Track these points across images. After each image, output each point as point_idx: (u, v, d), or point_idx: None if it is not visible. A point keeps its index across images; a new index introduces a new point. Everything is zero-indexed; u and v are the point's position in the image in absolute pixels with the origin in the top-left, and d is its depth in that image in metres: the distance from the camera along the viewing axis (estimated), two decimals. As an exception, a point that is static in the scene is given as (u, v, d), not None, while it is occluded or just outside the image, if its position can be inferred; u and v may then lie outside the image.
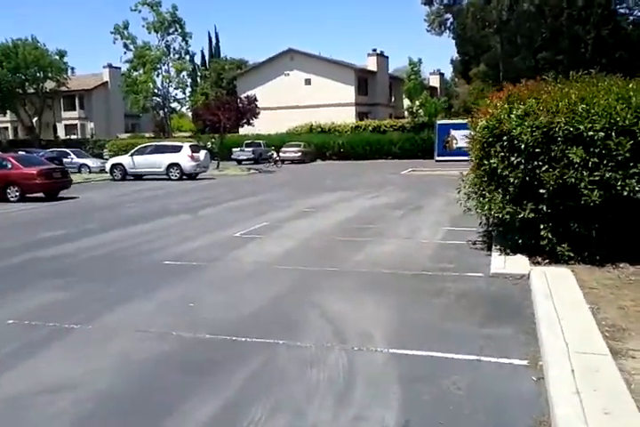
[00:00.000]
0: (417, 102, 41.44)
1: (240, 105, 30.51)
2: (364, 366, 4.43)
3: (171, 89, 47.57)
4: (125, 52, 45.94)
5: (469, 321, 5.45)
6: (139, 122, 62.72)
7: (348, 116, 46.01)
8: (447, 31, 50.01)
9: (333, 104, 46.14)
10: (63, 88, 51.17)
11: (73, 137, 56.29)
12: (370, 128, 44.23)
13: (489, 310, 5.81)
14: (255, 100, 30.91)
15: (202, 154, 26.20)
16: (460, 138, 35.83)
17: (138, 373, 4.47)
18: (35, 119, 52.05)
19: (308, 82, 47.75)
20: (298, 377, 4.27)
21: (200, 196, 18.70)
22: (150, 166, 25.47)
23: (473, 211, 8.69)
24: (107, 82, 57.59)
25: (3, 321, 5.73)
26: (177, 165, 25.13)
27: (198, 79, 52.14)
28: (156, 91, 46.03)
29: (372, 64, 49.80)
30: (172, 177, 25.22)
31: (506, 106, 8.35)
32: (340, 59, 48.74)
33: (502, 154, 8.03)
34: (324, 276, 7.45)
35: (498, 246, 8.41)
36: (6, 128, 59.51)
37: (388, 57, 51.55)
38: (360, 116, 47.46)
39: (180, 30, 45.94)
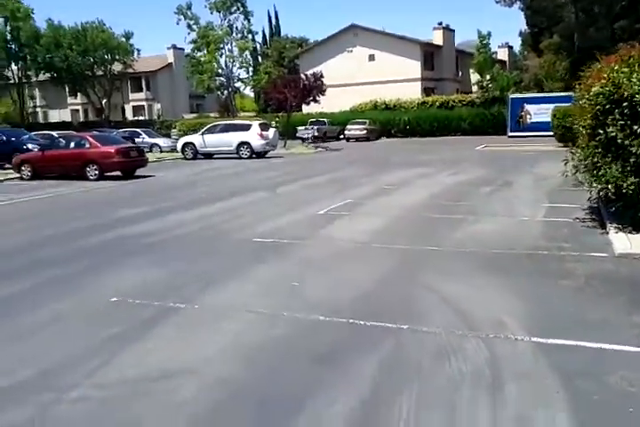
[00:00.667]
0: (487, 76, 39.75)
1: (306, 82, 29.99)
2: (508, 358, 3.93)
3: (234, 69, 47.53)
4: (189, 33, 46.11)
5: (612, 307, 4.84)
6: (203, 102, 63.34)
7: (413, 92, 44.73)
8: (517, 2, 47.51)
9: (398, 80, 44.94)
10: (130, 70, 52.09)
11: (140, 118, 57.39)
12: (437, 104, 42.91)
13: (631, 294, 5.17)
14: (321, 76, 30.32)
15: (271, 132, 25.92)
16: (534, 112, 34.29)
17: (258, 359, 4.11)
18: (104, 101, 53.34)
19: (371, 58, 46.64)
20: (437, 368, 3.82)
21: (274, 174, 18.42)
22: (220, 145, 25.41)
23: (585, 184, 7.98)
24: (171, 63, 58.22)
25: (106, 298, 5.53)
26: (247, 143, 24.96)
27: (259, 58, 51.85)
28: (219, 71, 46.01)
29: (437, 38, 48.15)
30: (243, 155, 25.09)
31: (625, 69, 7.55)
32: (404, 34, 47.23)
33: (622, 122, 7.28)
34: (427, 255, 6.94)
35: (614, 224, 7.68)
36: (77, 110, 61.24)
37: (454, 30, 49.74)
38: (426, 91, 46.08)
39: (241, 9, 45.65)
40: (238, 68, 47.60)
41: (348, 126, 39.58)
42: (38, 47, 48.04)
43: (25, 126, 50.67)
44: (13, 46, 49.98)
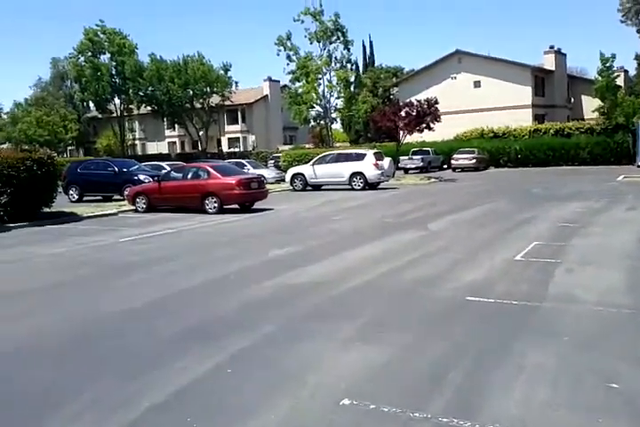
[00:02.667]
0: (608, 102, 36.47)
1: (419, 109, 28.12)
2: None
3: (332, 99, 46.50)
4: (288, 64, 45.63)
5: None
6: (295, 134, 63.00)
7: (522, 120, 41.93)
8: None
9: (506, 107, 42.36)
10: (227, 102, 52.30)
11: (235, 149, 57.58)
12: (551, 131, 39.91)
13: None
14: (436, 102, 28.37)
15: (386, 162, 24.12)
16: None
17: None
18: (201, 133, 53.75)
19: (477, 84, 44.40)
20: None
21: (406, 207, 16.44)
22: (332, 176, 23.84)
23: None
24: (267, 95, 58.36)
25: (332, 399, 3.61)
26: (360, 173, 23.24)
27: (351, 88, 50.55)
28: (318, 101, 45.07)
29: (548, 62, 45.32)
30: (355, 187, 23.36)
31: None
32: (512, 58, 44.75)
33: None
34: None
35: None
36: (174, 142, 62.35)
37: (565, 55, 46.72)
38: (536, 118, 43.16)
39: (342, 38, 44.77)
40: (336, 98, 46.54)
41: (455, 155, 37.29)
42: (141, 81, 49.21)
43: (124, 158, 52.00)
44: (117, 80, 51.56)
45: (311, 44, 45.11)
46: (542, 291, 6.38)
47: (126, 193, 20.83)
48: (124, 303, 6.52)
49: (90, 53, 50.97)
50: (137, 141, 64.02)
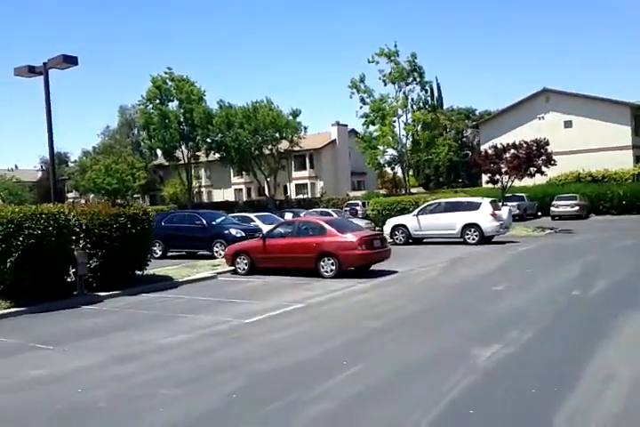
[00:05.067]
0: None
1: (528, 150, 25.23)
2: None
3: (408, 142, 44.17)
4: (361, 107, 43.82)
5: None
6: (364, 179, 60.84)
7: (621, 162, 38.45)
8: None
9: (603, 148, 38.96)
10: (296, 148, 50.64)
11: (302, 196, 55.64)
12: (657, 174, 36.28)
13: None
14: (547, 143, 25.42)
15: (504, 212, 21.18)
16: None
17: None
18: (268, 179, 51.98)
19: (568, 124, 41.27)
20: None
21: (567, 269, 13.38)
22: (440, 228, 20.99)
23: None
24: (335, 140, 56.66)
25: None
26: (476, 225, 20.32)
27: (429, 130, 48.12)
28: (394, 145, 42.80)
29: (647, 99, 41.95)
30: (469, 240, 20.41)
31: None
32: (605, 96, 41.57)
33: None
34: None
35: None
36: (240, 189, 61.02)
37: (664, 90, 43.21)
38: (637, 160, 39.49)
39: (418, 79, 42.81)
40: (411, 141, 44.20)
41: (555, 202, 34.00)
42: (211, 127, 48.19)
43: (192, 206, 50.54)
44: (185, 128, 50.77)
45: (385, 85, 43.43)
46: None
47: (218, 251, 18.84)
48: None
49: (158, 101, 50.60)
50: (203, 189, 63.14)
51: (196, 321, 9.46)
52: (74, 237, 11.87)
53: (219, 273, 15.28)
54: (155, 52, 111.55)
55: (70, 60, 13.23)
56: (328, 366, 6.54)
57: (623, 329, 7.65)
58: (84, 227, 12.01)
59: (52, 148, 14.15)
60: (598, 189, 36.58)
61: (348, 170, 57.85)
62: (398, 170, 53.30)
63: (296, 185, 56.97)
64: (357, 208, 40.30)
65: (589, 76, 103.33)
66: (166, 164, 57.34)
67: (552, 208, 33.82)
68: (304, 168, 56.60)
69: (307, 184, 56.53)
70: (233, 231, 19.02)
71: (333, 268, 13.48)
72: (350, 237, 13.57)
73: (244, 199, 58.25)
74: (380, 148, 43.46)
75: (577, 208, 33.31)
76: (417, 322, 8.73)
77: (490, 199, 21.47)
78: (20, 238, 10.37)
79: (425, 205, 22.31)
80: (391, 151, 45.37)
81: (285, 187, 57.04)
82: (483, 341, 7.29)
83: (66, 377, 6.61)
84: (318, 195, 54.43)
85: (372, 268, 14.52)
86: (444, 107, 64.19)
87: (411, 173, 67.88)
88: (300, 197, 55.40)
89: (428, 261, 16.10)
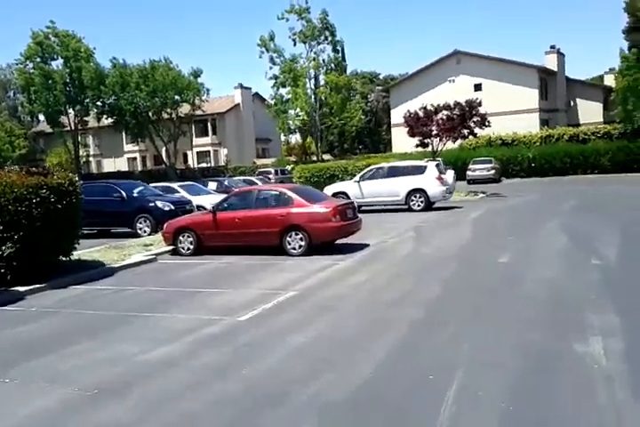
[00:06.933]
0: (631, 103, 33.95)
1: (458, 112, 24.32)
2: None
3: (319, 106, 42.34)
4: (271, 67, 41.29)
5: None
6: (268, 146, 58.34)
7: (528, 125, 39.16)
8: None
9: (512, 111, 39.40)
10: (198, 112, 46.92)
11: (205, 165, 52.33)
12: (565, 137, 37.23)
13: None
14: (480, 104, 24.67)
15: (449, 175, 20.14)
16: None
17: None
18: (164, 148, 47.79)
19: (477, 87, 41.24)
20: None
21: (546, 234, 12.42)
22: (384, 194, 19.58)
23: None
24: (238, 104, 53.51)
25: None
26: (421, 190, 19.12)
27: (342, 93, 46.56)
28: (307, 108, 40.78)
29: (550, 63, 42.77)
30: (414, 207, 19.22)
31: None
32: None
33: None
34: None
35: None
36: (134, 158, 56.39)
37: (564, 55, 44.37)
38: (544, 123, 40.42)
39: (330, 38, 40.84)
40: (323, 104, 42.44)
41: (471, 166, 33.88)
42: (103, 89, 43.26)
43: (81, 178, 45.60)
44: (72, 89, 45.24)
45: (295, 45, 41.15)
46: None
47: (142, 227, 16.37)
48: None
49: (39, 59, 44.67)
50: (91, 158, 57.70)
51: (169, 323, 7.27)
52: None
53: (156, 255, 12.83)
54: (35, 6, 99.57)
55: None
56: (427, 390, 4.74)
57: None
58: (-8, 203, 9.17)
59: None
60: (509, 153, 37.00)
61: (253, 136, 55.12)
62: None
63: (197, 153, 53.43)
64: (270, 176, 38.14)
65: (499, 39, 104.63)
66: (48, 131, 51.46)
67: (468, 172, 33.64)
68: (206, 134, 53.13)
69: (209, 151, 53.21)
70: (160, 204, 16.47)
71: (302, 243, 11.56)
72: (322, 208, 11.69)
73: (140, 169, 53.92)
74: (292, 112, 41.30)
75: (493, 172, 33.39)
76: (458, 309, 7.09)
77: (435, 162, 20.31)
78: None
79: (367, 170, 20.74)
80: (302, 116, 43.32)
81: (185, 155, 53.32)
82: (570, 331, 5.82)
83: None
84: (222, 163, 51.45)
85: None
86: (348, 70, 62.87)
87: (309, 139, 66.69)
88: (204, 165, 52.06)
89: (388, 232, 14.58)
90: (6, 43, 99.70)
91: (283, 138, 54.93)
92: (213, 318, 7.23)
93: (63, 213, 9.87)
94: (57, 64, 44.96)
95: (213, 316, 7.36)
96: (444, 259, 10.54)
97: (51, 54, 44.43)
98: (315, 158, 43.33)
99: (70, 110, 46.65)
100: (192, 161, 53.57)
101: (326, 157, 51.37)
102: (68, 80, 44.66)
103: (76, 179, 10.74)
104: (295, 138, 53.60)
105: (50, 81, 43.91)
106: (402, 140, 42.50)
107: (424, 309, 7.18)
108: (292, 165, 41.40)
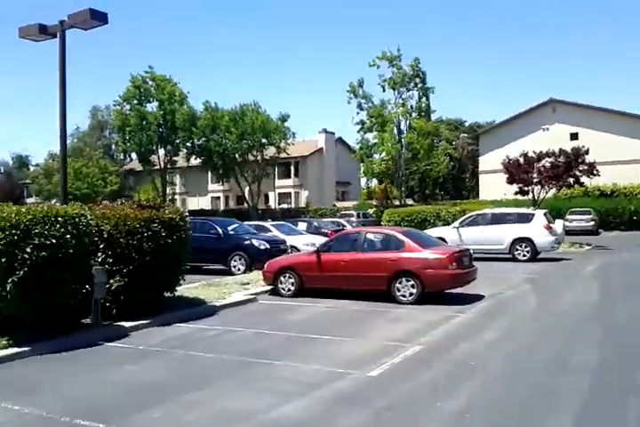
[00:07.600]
0: None
1: (563, 160, 23.04)
2: None
3: (406, 151, 41.76)
4: (358, 113, 41.31)
5: None
6: (347, 189, 58.26)
7: (630, 176, 36.92)
8: None
9: (611, 162, 37.27)
10: (283, 155, 47.51)
11: (285, 206, 52.63)
12: (673, 188, 34.87)
13: None
14: (587, 152, 23.32)
15: (558, 225, 18.81)
16: None
17: None
18: (247, 188, 48.45)
19: (574, 136, 39.50)
20: None
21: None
22: (485, 242, 18.43)
23: None
24: (321, 148, 53.96)
25: None
26: (528, 240, 17.87)
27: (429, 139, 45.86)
28: (393, 153, 40.27)
29: (653, 112, 40.67)
30: (519, 257, 17.95)
31: None
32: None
33: None
34: None
35: None
36: (217, 197, 57.55)
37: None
38: (646, 175, 38.07)
39: (420, 85, 40.59)
40: (409, 150, 41.81)
41: (569, 217, 31.96)
42: (194, 130, 44.70)
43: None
44: (164, 130, 47.02)
45: (384, 91, 41.02)
46: None
47: (237, 265, 15.92)
48: None
49: (136, 101, 46.87)
50: (177, 196, 59.29)
51: (291, 373, 6.53)
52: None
53: (255, 294, 12.27)
54: (133, 53, 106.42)
55: (99, 17, 10.09)
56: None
57: None
58: (105, 235, 8.90)
59: (65, 135, 11.10)
60: (608, 204, 34.97)
61: (334, 180, 55.19)
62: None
63: (279, 194, 53.90)
64: (352, 219, 37.59)
65: (592, 87, 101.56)
66: (138, 169, 53.41)
67: (566, 223, 31.76)
68: (288, 176, 53.66)
69: (290, 193, 53.57)
70: (255, 242, 16.04)
71: (414, 291, 10.67)
72: (437, 253, 10.82)
73: (222, 208, 54.83)
74: (377, 156, 40.93)
75: (592, 223, 31.49)
76: (627, 380, 5.98)
77: (543, 211, 19.07)
78: (28, 250, 7.25)
79: (468, 215, 19.74)
80: (387, 160, 42.84)
81: (267, 195, 53.88)
82: None
83: None
84: (302, 204, 51.55)
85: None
86: (433, 117, 62.51)
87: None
88: (284, 206, 52.36)
89: (499, 283, 13.46)
90: (105, 86, 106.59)
91: (363, 182, 54.65)
92: (339, 371, 6.44)
93: (172, 247, 9.49)
94: (152, 106, 46.96)
95: (338, 368, 6.57)
96: (581, 317, 9.35)
97: (147, 97, 46.48)
98: (397, 203, 42.50)
99: (161, 150, 48.38)
100: (273, 202, 54.03)
101: (408, 201, 50.50)
102: (161, 121, 46.37)
103: (186, 214, 10.40)
104: (374, 182, 53.12)
105: (144, 122, 45.77)
106: (490, 188, 41.22)
107: (588, 378, 6.10)
108: (373, 209, 40.80)
